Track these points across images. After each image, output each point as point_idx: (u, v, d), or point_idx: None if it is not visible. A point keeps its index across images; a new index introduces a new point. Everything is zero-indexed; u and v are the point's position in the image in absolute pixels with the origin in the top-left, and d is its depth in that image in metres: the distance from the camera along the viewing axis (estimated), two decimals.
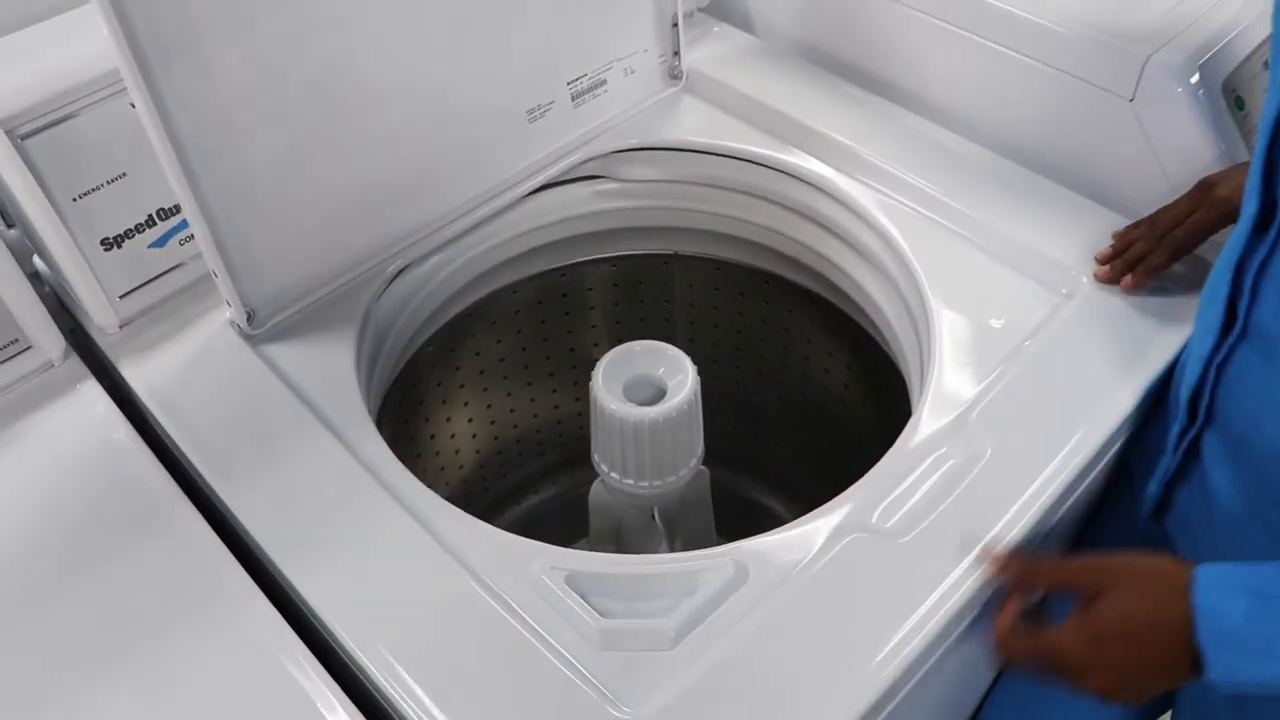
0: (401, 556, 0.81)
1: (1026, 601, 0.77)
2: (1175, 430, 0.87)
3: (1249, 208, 0.74)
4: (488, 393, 1.41)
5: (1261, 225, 0.74)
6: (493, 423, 1.45)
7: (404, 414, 1.23)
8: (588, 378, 1.06)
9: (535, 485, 1.57)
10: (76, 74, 0.88)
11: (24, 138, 0.86)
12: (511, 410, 1.47)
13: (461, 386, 1.37)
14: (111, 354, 0.97)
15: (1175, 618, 0.70)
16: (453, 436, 1.39)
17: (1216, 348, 0.80)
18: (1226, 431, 0.82)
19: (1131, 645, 0.72)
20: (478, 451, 1.46)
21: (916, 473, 0.85)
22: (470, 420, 1.42)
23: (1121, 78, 1.05)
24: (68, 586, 0.81)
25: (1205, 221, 0.93)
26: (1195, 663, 0.69)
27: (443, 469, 1.39)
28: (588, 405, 1.08)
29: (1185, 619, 0.69)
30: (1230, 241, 0.78)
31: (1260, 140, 0.72)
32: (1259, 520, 0.81)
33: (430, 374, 1.29)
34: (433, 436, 1.35)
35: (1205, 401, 0.82)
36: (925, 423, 0.90)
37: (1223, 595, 0.69)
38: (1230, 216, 0.91)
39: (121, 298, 0.96)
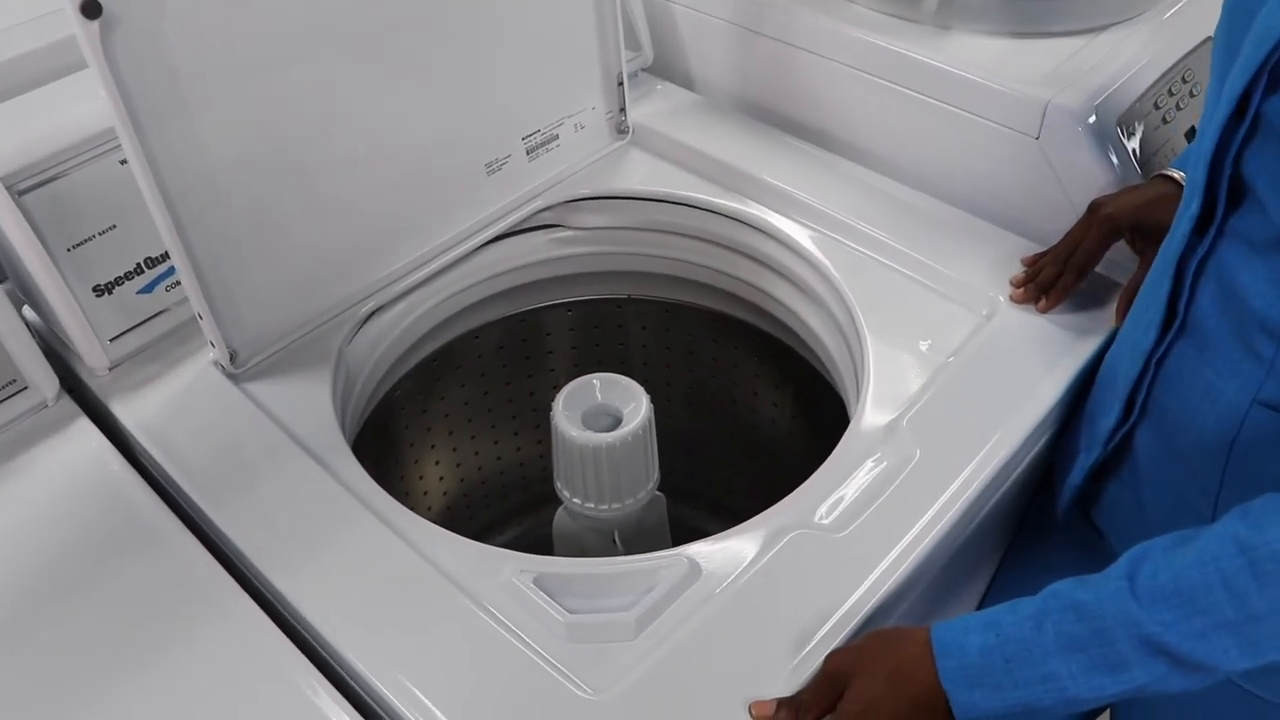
0: (384, 566, 0.86)
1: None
2: (1109, 425, 0.92)
3: (1190, 208, 0.79)
4: (453, 436, 1.47)
5: (1200, 227, 0.79)
6: (458, 465, 1.51)
7: (375, 458, 1.29)
8: (548, 421, 1.12)
9: (500, 527, 1.62)
10: (69, 135, 0.94)
11: (21, 193, 0.92)
12: (476, 453, 1.52)
13: (429, 430, 1.43)
14: (102, 394, 1.01)
15: (922, 675, 0.73)
16: (421, 478, 1.45)
17: (1157, 344, 0.85)
18: (1161, 424, 0.87)
19: (885, 712, 0.73)
20: (445, 494, 1.51)
21: (853, 475, 0.93)
22: (438, 463, 1.47)
23: (1028, 120, 1.14)
24: (70, 604, 0.85)
25: (1098, 238, 1.01)
26: (950, 710, 0.73)
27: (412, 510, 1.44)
28: (548, 449, 1.14)
29: (932, 673, 0.73)
30: (1167, 244, 0.84)
31: (1206, 145, 0.76)
32: (1188, 508, 0.86)
33: (399, 419, 1.35)
34: (402, 477, 1.40)
35: (1143, 396, 0.88)
36: (860, 432, 0.97)
37: (958, 634, 0.73)
38: (1117, 232, 1.00)
39: (112, 340, 1.01)
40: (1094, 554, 1.01)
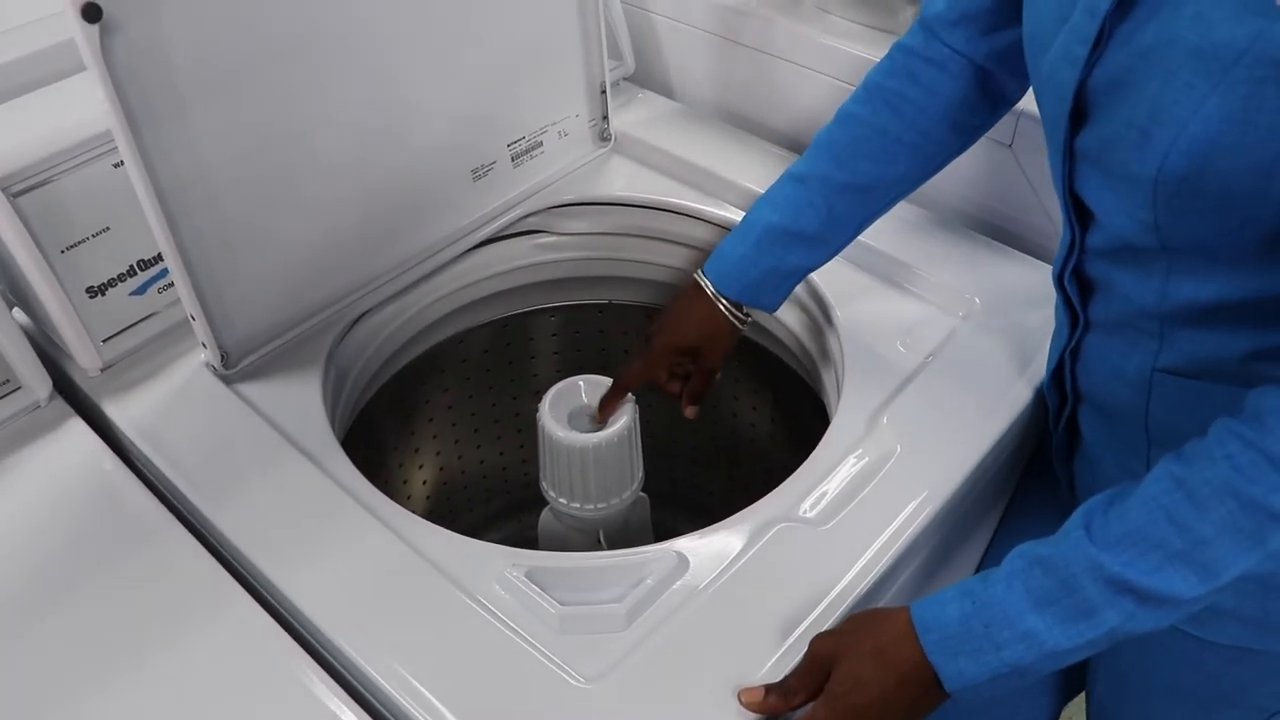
0: (378, 560, 0.88)
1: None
2: (1054, 410, 1.00)
3: (1065, 235, 0.88)
4: (437, 440, 1.48)
5: (1072, 243, 0.87)
6: (442, 469, 1.52)
7: (360, 460, 1.30)
8: (530, 426, 1.13)
9: (483, 530, 1.63)
10: (64, 138, 0.95)
11: (16, 195, 0.92)
12: (459, 457, 1.54)
13: (413, 433, 1.44)
14: (94, 395, 1.02)
15: (907, 652, 0.75)
16: (405, 481, 1.46)
17: (1069, 340, 0.93)
18: (1092, 403, 0.95)
19: (874, 692, 0.75)
20: (428, 497, 1.52)
21: (835, 471, 0.95)
22: (421, 466, 1.48)
23: (1001, 127, 1.16)
24: (68, 601, 0.86)
25: (659, 368, 1.14)
26: (940, 683, 0.75)
27: None
28: (531, 453, 1.16)
29: (917, 649, 0.75)
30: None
31: (1056, 182, 0.84)
32: (1128, 472, 0.92)
33: (384, 423, 1.36)
34: (387, 481, 1.42)
35: (1069, 382, 0.95)
36: (841, 429, 1.00)
37: (935, 608, 0.75)
38: (674, 356, 1.13)
39: (104, 342, 1.02)
40: None
